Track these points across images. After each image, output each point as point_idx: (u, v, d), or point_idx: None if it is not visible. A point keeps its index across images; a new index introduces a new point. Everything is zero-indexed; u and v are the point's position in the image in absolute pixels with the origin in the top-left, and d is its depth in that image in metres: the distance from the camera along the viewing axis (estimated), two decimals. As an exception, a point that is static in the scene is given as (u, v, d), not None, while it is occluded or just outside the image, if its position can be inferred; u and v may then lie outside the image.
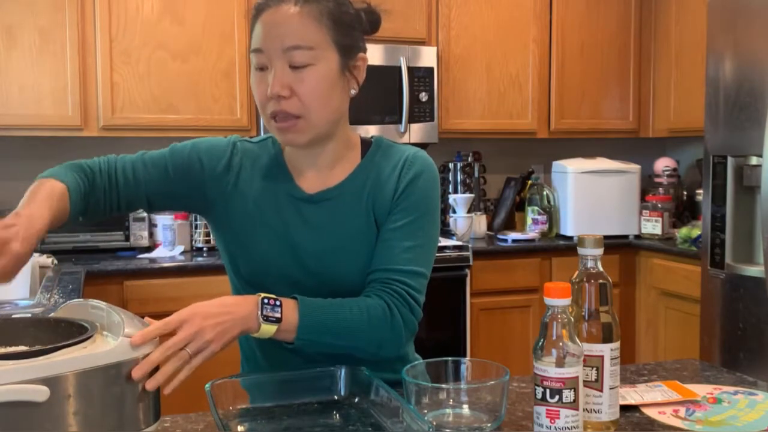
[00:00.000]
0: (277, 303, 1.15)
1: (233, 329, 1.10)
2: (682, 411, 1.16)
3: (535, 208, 3.73)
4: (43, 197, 1.14)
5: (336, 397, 1.18)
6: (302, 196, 1.31)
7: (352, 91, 1.29)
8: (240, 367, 1.43)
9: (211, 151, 1.33)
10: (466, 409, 1.09)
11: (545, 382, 0.98)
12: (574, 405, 0.98)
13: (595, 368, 1.04)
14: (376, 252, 1.28)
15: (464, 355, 3.25)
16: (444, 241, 3.35)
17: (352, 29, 1.27)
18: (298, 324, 1.16)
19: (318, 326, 1.18)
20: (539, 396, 0.99)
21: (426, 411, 1.07)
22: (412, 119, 3.45)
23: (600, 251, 1.07)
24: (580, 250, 1.07)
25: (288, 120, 1.22)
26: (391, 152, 1.34)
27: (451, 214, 3.61)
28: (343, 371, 1.19)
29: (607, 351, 1.04)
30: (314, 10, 1.21)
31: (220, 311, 1.10)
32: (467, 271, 3.27)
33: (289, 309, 1.16)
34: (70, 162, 1.27)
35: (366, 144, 1.36)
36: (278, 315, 1.14)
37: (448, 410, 1.08)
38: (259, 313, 1.13)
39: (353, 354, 1.23)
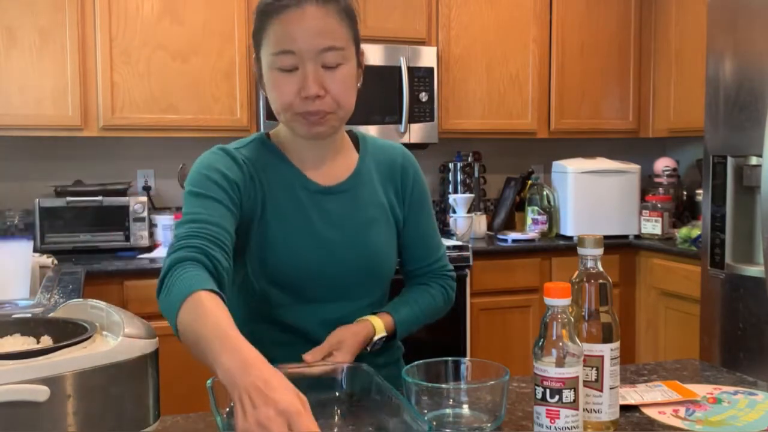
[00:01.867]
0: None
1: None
2: (682, 411, 1.16)
3: (535, 208, 3.73)
4: (231, 333, 0.97)
5: (337, 394, 1.18)
6: (319, 188, 1.33)
7: (358, 84, 1.33)
8: None
9: (232, 169, 1.28)
10: (466, 409, 1.09)
11: (545, 382, 0.98)
12: (574, 405, 0.98)
13: (595, 368, 1.04)
14: (411, 249, 1.46)
15: (464, 355, 3.25)
16: (444, 241, 3.34)
17: (357, 22, 1.31)
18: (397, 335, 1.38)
19: (409, 328, 1.42)
20: (539, 396, 0.99)
21: (426, 411, 1.07)
22: (412, 119, 3.45)
23: (600, 251, 1.07)
24: (580, 250, 1.07)
25: (319, 115, 1.25)
26: (379, 145, 1.44)
27: (451, 214, 3.61)
28: (345, 369, 1.19)
29: (607, 351, 1.05)
30: (335, 9, 1.24)
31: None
32: (467, 271, 3.27)
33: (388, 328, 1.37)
34: (196, 271, 1.10)
35: (353, 136, 1.43)
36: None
37: (448, 410, 1.08)
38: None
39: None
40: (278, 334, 1.32)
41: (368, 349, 1.32)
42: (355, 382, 1.17)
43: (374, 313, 1.36)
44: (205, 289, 1.03)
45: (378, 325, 1.33)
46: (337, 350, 1.26)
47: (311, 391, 1.16)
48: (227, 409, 1.13)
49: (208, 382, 1.08)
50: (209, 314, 0.99)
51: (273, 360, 1.27)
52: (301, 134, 1.29)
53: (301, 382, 1.17)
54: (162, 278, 1.10)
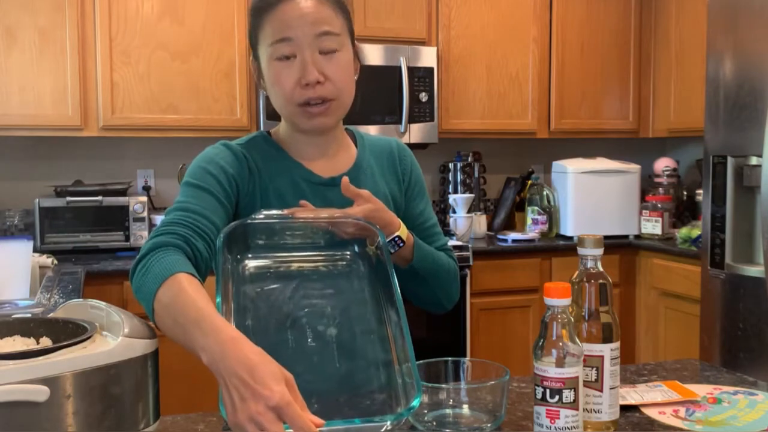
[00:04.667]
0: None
1: None
2: (682, 411, 1.16)
3: (535, 208, 3.73)
4: (209, 314, 0.94)
5: (348, 253, 1.22)
6: (321, 180, 1.34)
7: (355, 77, 1.35)
8: None
9: (232, 164, 1.29)
10: (466, 409, 1.09)
11: (545, 382, 0.98)
12: (574, 405, 0.98)
13: (595, 368, 1.04)
14: (414, 234, 1.40)
15: (464, 355, 3.25)
16: (444, 241, 3.35)
17: (350, 15, 1.33)
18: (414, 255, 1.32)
19: (425, 258, 1.34)
20: (539, 396, 0.98)
21: (426, 411, 1.07)
22: (412, 119, 3.45)
23: (600, 251, 1.07)
24: (580, 250, 1.07)
25: (322, 104, 1.26)
26: (374, 140, 1.46)
27: (451, 214, 3.61)
28: (358, 225, 1.20)
29: (607, 351, 1.04)
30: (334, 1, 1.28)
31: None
32: (467, 271, 3.27)
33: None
34: (173, 254, 1.09)
35: (350, 133, 1.45)
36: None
37: (448, 410, 1.08)
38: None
39: (433, 299, 1.40)
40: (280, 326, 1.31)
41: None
42: (366, 241, 1.20)
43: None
44: (184, 272, 1.02)
45: (403, 226, 1.29)
46: (359, 204, 1.23)
47: (324, 247, 1.21)
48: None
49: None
50: (188, 296, 0.98)
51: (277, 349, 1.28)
52: (303, 128, 1.30)
53: (314, 233, 1.20)
54: (139, 260, 1.09)
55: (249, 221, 1.15)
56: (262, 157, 1.33)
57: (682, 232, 3.37)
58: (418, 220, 1.43)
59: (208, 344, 0.90)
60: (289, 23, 1.24)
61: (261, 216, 1.16)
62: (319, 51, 1.24)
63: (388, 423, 0.94)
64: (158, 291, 1.01)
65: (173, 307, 0.98)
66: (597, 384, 1.04)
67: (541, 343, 0.99)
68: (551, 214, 3.73)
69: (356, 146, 1.43)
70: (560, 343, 0.98)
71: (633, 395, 1.21)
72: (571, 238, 3.61)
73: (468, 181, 3.79)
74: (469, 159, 3.83)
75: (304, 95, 1.25)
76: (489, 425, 1.05)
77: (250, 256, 1.16)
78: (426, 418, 1.07)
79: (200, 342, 0.91)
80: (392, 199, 1.41)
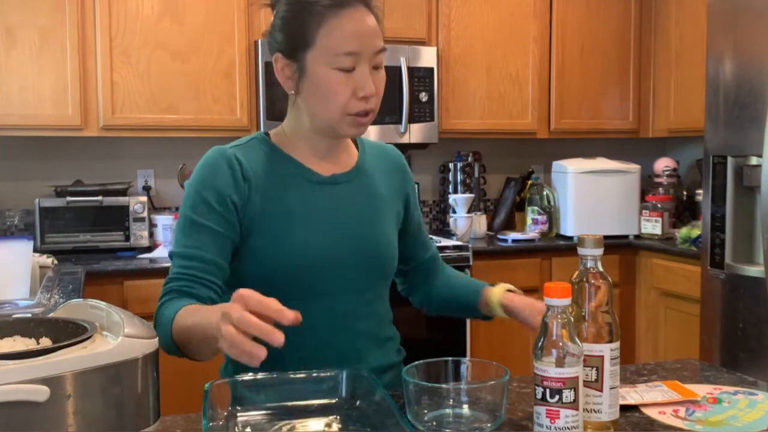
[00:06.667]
0: None
1: None
2: (682, 411, 1.16)
3: (535, 208, 3.73)
4: (207, 314, 1.09)
5: (336, 400, 1.17)
6: (323, 179, 1.35)
7: None
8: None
9: (227, 182, 1.29)
10: (466, 409, 1.09)
11: (545, 382, 0.98)
12: (574, 405, 0.98)
13: (595, 368, 1.04)
14: (411, 243, 1.52)
15: (464, 355, 3.25)
16: (444, 241, 3.36)
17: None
18: None
19: None
20: (539, 396, 0.98)
21: (426, 411, 1.07)
22: (412, 119, 3.45)
23: (600, 251, 1.07)
24: (580, 250, 1.07)
25: (366, 115, 1.30)
26: (373, 143, 1.51)
27: (451, 214, 3.61)
28: (345, 374, 1.18)
29: (607, 351, 1.04)
30: (374, 12, 1.30)
31: None
32: (467, 271, 3.27)
33: None
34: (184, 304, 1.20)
35: None
36: None
37: (448, 410, 1.08)
38: None
39: None
40: (285, 333, 1.30)
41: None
42: (355, 387, 1.17)
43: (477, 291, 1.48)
44: (177, 311, 1.15)
45: (495, 290, 1.43)
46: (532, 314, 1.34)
47: (312, 396, 1.17)
48: (229, 410, 1.12)
49: (206, 385, 1.08)
50: (190, 312, 1.12)
51: (280, 357, 1.28)
52: (345, 134, 1.33)
53: (303, 387, 1.17)
54: (153, 318, 1.21)
55: (238, 379, 1.15)
56: (261, 164, 1.33)
57: (682, 232, 3.37)
58: (414, 228, 1.52)
59: (214, 322, 0.99)
60: (359, 37, 1.24)
61: (248, 377, 1.14)
62: (373, 66, 1.27)
63: None
64: (172, 332, 1.15)
65: (183, 328, 1.12)
66: (597, 384, 1.04)
67: (541, 343, 0.99)
68: (551, 214, 3.73)
69: (357, 148, 1.46)
70: (560, 343, 0.98)
71: (633, 395, 1.22)
72: (571, 238, 3.61)
73: (468, 181, 3.79)
74: (469, 159, 3.83)
75: (360, 106, 1.27)
76: (489, 425, 1.05)
77: (239, 409, 1.13)
78: (426, 418, 1.07)
79: (212, 332, 1.00)
80: (391, 203, 1.43)
